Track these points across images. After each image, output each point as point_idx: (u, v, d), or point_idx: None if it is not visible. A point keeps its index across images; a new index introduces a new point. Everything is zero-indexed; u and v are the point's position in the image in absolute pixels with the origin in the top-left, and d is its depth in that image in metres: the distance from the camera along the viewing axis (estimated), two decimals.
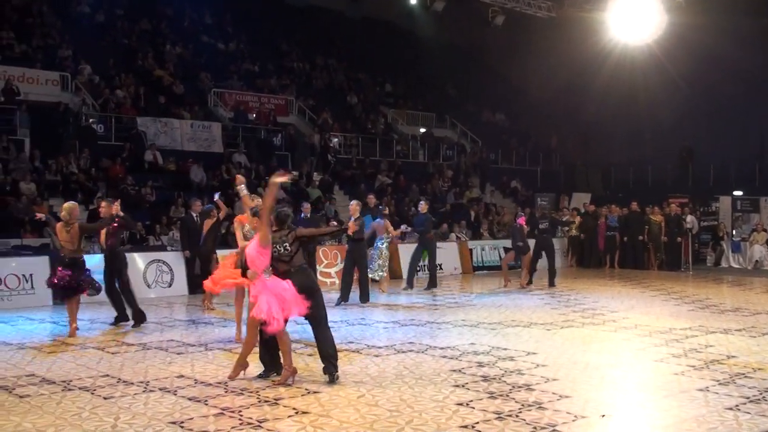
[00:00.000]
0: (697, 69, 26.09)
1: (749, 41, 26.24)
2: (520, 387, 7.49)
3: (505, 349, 9.50)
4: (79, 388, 7.39)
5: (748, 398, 7.10)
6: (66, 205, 10.82)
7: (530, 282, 17.07)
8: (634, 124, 29.77)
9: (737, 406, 6.84)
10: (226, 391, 7.31)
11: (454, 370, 8.23)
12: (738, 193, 25.14)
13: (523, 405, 6.82)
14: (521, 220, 17.28)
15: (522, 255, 17.10)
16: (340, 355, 9.04)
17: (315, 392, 7.27)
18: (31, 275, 13.71)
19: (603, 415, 6.61)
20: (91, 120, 22.27)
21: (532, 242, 17.27)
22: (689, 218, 21.94)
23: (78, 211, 11.04)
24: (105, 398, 7.02)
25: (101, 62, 24.86)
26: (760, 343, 9.96)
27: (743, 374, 8.10)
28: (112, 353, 9.20)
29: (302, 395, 7.17)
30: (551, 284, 16.99)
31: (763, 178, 27.03)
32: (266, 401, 6.94)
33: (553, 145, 33.03)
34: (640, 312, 12.94)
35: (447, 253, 20.25)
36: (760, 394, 7.27)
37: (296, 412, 6.57)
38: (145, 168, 21.20)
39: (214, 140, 23.65)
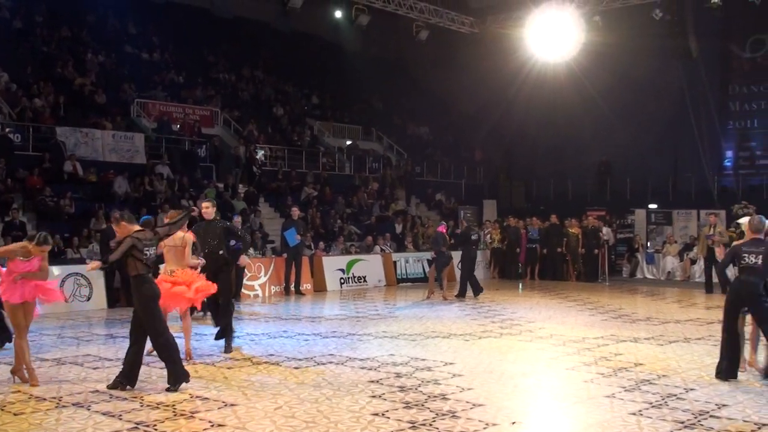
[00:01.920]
0: (614, 86, 26.96)
1: (663, 60, 27.32)
2: (435, 396, 7.66)
3: (424, 359, 9.68)
4: None
5: (651, 403, 7.44)
6: None
7: (462, 295, 17.34)
8: (555, 139, 30.54)
9: (640, 411, 7.16)
10: (141, 406, 7.27)
11: (372, 381, 8.36)
12: (653, 206, 26.08)
13: (437, 414, 6.99)
14: (442, 228, 17.63)
15: (444, 266, 17.36)
16: (260, 367, 9.13)
17: (232, 405, 7.29)
18: None
19: (513, 422, 6.82)
20: (7, 129, 21.64)
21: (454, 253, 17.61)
22: (605, 230, 22.65)
23: None
24: (15, 414, 6.90)
25: (19, 70, 24.20)
26: (666, 351, 10.39)
27: (648, 381, 8.46)
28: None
29: (219, 408, 7.18)
30: (461, 295, 17.36)
31: (676, 191, 28.10)
32: (182, 414, 6.93)
33: (477, 158, 33.61)
34: (556, 322, 13.33)
35: (371, 265, 20.45)
36: (663, 399, 7.62)
37: (212, 425, 6.59)
38: (65, 179, 20.72)
39: (137, 151, 23.27)
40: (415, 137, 34.28)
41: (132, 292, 8.02)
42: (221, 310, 10.59)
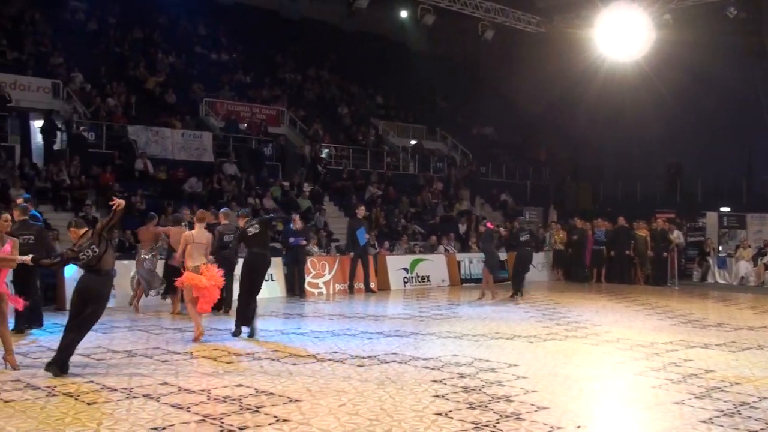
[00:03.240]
0: (686, 85, 26.36)
1: (737, 59, 26.57)
2: (499, 398, 7.60)
3: (487, 360, 9.61)
4: (63, 394, 7.46)
5: (722, 411, 7.23)
6: None
7: (518, 294, 17.25)
8: (623, 139, 30.02)
9: (711, 419, 6.97)
10: (208, 399, 7.39)
11: (435, 381, 8.34)
12: (725, 209, 25.35)
13: (501, 416, 6.93)
14: (489, 224, 17.55)
15: (494, 265, 17.32)
16: (324, 364, 9.20)
17: (296, 400, 7.36)
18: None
19: (579, 426, 6.71)
20: (81, 128, 22.32)
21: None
22: (676, 233, 22.12)
23: None
24: (88, 404, 7.10)
25: (93, 70, 24.93)
26: (738, 358, 10.10)
27: (719, 388, 8.23)
28: (98, 360, 9.27)
29: (284, 403, 7.26)
30: (516, 294, 17.26)
31: (750, 194, 27.28)
32: (248, 409, 7.03)
33: (543, 158, 33.25)
34: (623, 326, 13.08)
35: (435, 265, 20.42)
36: (735, 407, 7.40)
37: (277, 420, 6.66)
38: (136, 176, 21.26)
39: (205, 150, 23.74)
40: (479, 137, 34.11)
41: None
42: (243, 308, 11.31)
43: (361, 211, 19.05)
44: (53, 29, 25.63)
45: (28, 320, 11.22)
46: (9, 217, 9.10)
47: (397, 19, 29.48)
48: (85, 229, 8.63)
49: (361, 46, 34.24)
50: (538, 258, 22.14)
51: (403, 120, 32.39)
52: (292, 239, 17.02)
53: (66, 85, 23.35)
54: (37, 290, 11.61)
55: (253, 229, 11.56)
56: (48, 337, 10.80)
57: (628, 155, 30.09)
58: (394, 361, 9.46)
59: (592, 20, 22.85)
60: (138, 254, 14.24)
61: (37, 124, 21.44)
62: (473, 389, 7.98)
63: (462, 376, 8.65)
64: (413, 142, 31.24)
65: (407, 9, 27.78)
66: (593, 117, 29.39)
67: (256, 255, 11.53)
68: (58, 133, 21.46)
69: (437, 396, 7.65)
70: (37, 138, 21.41)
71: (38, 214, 11.92)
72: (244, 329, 11.27)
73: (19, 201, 11.71)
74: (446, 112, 34.72)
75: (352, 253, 18.29)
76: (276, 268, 17.43)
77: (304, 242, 17.47)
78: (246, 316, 11.34)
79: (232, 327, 11.42)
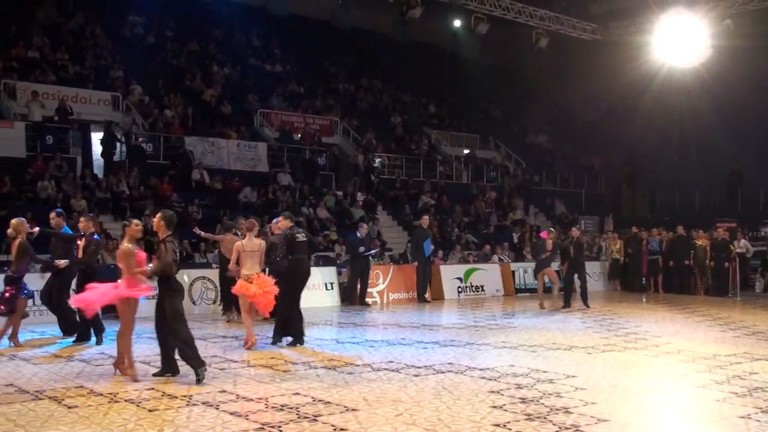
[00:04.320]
0: (746, 92, 25.76)
1: None
2: (558, 410, 7.48)
3: (545, 371, 9.48)
4: (125, 401, 7.59)
5: None
6: (13, 221, 10.93)
7: (567, 306, 17.03)
8: (681, 147, 29.46)
9: None
10: (266, 407, 7.44)
11: (493, 392, 8.25)
12: None
13: (560, 428, 6.82)
14: (543, 234, 17.35)
15: (538, 272, 17.16)
16: (380, 373, 9.19)
17: (353, 410, 7.36)
18: (73, 291, 14.05)
19: None
20: (140, 139, 22.79)
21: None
22: (743, 242, 21.56)
23: (26, 227, 10.94)
24: (150, 411, 7.21)
25: (151, 83, 25.47)
26: None
27: None
28: (158, 367, 9.39)
29: (341, 412, 7.26)
30: (586, 304, 17.08)
31: None
32: (305, 417, 7.05)
33: (598, 167, 32.81)
34: (683, 337, 12.79)
35: (489, 274, 20.30)
36: None
37: (334, 429, 6.67)
38: (192, 186, 21.60)
39: (260, 160, 24.01)
40: (533, 146, 33.85)
41: None
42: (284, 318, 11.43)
43: (425, 221, 19.05)
44: (113, 43, 26.27)
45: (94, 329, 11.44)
46: (140, 223, 9.08)
47: (449, 29, 29.45)
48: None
49: (413, 56, 34.30)
50: (594, 267, 21.86)
51: (456, 129, 32.33)
52: (362, 248, 17.04)
53: (125, 97, 23.90)
54: None
55: (301, 236, 11.64)
56: (110, 344, 10.98)
57: (687, 163, 29.49)
58: (450, 371, 9.40)
59: (649, 26, 22.53)
60: None
61: (98, 136, 21.93)
62: (531, 400, 7.87)
63: (519, 386, 8.55)
64: (466, 151, 31.14)
65: (460, 18, 27.74)
66: (650, 124, 28.92)
67: (301, 261, 11.59)
68: (118, 145, 21.93)
69: (495, 407, 7.57)
70: (98, 149, 21.91)
71: (69, 230, 12.21)
72: (285, 338, 11.35)
73: (52, 215, 12.06)
74: (499, 120, 34.54)
75: (416, 263, 18.30)
76: (332, 277, 17.54)
77: (374, 252, 17.70)
78: (288, 323, 11.38)
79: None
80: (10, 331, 10.80)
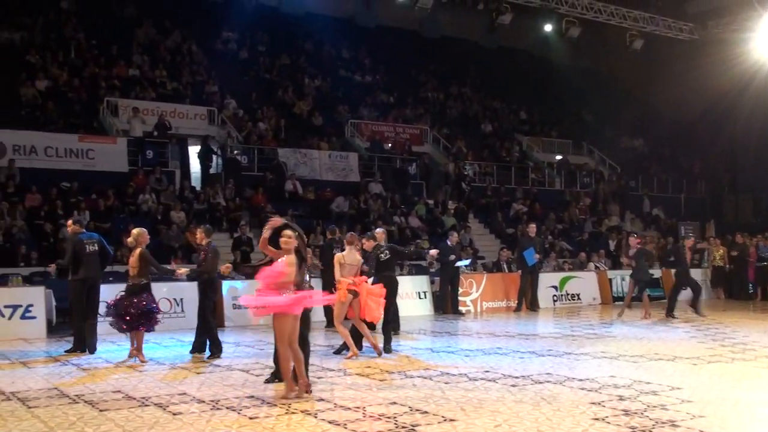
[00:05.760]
0: None
1: None
2: (664, 423, 7.20)
3: (648, 383, 9.16)
4: (227, 408, 7.73)
5: None
6: (134, 230, 11.08)
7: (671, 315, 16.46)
8: None
9: None
10: (364, 416, 7.43)
11: (594, 403, 8.02)
12: None
13: None
14: (632, 241, 16.88)
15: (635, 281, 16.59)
16: (476, 383, 9.07)
17: (451, 420, 7.27)
18: (181, 299, 14.49)
19: None
20: (235, 152, 23.35)
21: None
22: None
23: (146, 237, 11.06)
24: (250, 418, 7.31)
25: (245, 96, 26.09)
26: None
27: None
28: (256, 375, 9.55)
29: (438, 422, 7.19)
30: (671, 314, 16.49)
31: None
32: (403, 427, 7.00)
33: (697, 170, 31.72)
34: None
35: (585, 282, 19.87)
36: None
37: None
38: (286, 197, 21.95)
39: (351, 170, 24.24)
40: (628, 150, 33.03)
41: None
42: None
43: (532, 229, 18.83)
44: (208, 59, 27.03)
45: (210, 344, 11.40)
46: (291, 235, 8.30)
47: (539, 33, 29.13)
48: None
49: (502, 62, 34.04)
50: (696, 275, 21.07)
51: (547, 135, 31.86)
52: (452, 257, 16.97)
53: (220, 111, 24.54)
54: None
55: (384, 255, 11.88)
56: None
57: None
58: (548, 381, 9.20)
59: (750, 24, 21.67)
60: None
61: (195, 149, 22.58)
62: (635, 413, 7.61)
63: (621, 398, 8.28)
64: (558, 157, 30.63)
65: (551, 22, 27.36)
66: (751, 125, 27.78)
67: (388, 278, 11.78)
68: (214, 158, 22.53)
69: (596, 419, 7.35)
70: (195, 163, 22.55)
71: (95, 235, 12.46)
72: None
73: (69, 222, 12.40)
74: (592, 125, 33.85)
75: (520, 271, 18.15)
76: (424, 286, 17.51)
77: (467, 262, 17.68)
78: (385, 335, 11.65)
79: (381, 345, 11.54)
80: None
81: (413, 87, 31.52)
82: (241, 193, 21.33)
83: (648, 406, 7.92)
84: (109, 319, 11.07)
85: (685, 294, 17.38)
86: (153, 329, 11.08)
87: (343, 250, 11.63)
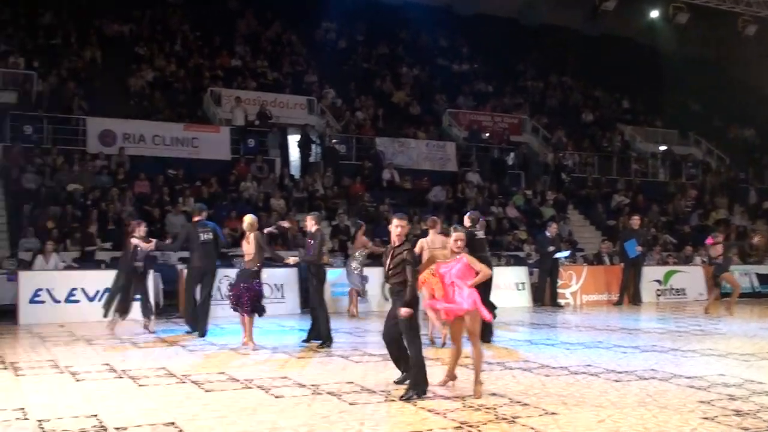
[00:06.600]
0: None
1: None
2: None
3: (760, 383, 8.74)
4: (327, 393, 7.81)
5: None
6: (247, 216, 10.99)
7: None
8: None
9: None
10: (463, 407, 7.37)
11: (702, 402, 7.71)
12: None
13: None
14: (709, 240, 16.18)
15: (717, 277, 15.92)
16: (578, 377, 8.87)
17: (552, 413, 7.13)
18: (282, 285, 14.77)
19: None
20: (334, 141, 23.60)
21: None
22: None
23: (257, 224, 11.00)
24: (350, 404, 7.36)
25: (343, 86, 26.32)
26: None
27: None
28: (356, 362, 9.63)
29: (539, 415, 7.06)
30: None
31: None
32: (504, 418, 6.91)
33: None
34: None
35: (691, 277, 19.22)
36: None
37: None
38: (383, 186, 22.05)
39: (449, 159, 24.13)
40: (739, 140, 31.67)
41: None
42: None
43: (636, 221, 18.38)
44: (307, 49, 27.39)
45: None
46: (463, 237, 8.21)
47: (644, 20, 28.26)
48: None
49: (604, 50, 33.13)
50: None
51: (651, 124, 30.90)
52: (551, 248, 16.70)
53: (319, 101, 24.84)
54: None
55: (480, 234, 11.33)
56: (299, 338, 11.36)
57: None
58: (653, 378, 8.91)
59: None
60: (348, 263, 14.74)
61: (294, 138, 22.93)
62: (747, 413, 7.27)
63: (732, 398, 7.94)
64: (663, 147, 29.66)
65: (658, 8, 26.46)
66: None
67: (484, 259, 11.22)
68: (313, 147, 22.83)
69: (706, 418, 7.06)
70: (294, 151, 22.90)
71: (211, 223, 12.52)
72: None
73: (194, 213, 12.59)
74: (699, 114, 32.60)
75: (622, 264, 17.74)
76: (522, 277, 17.30)
77: (567, 254, 17.37)
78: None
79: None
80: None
81: (512, 76, 31.10)
82: (340, 181, 21.55)
83: (761, 407, 7.56)
84: (227, 302, 11.25)
85: None
86: (262, 315, 11.09)
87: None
